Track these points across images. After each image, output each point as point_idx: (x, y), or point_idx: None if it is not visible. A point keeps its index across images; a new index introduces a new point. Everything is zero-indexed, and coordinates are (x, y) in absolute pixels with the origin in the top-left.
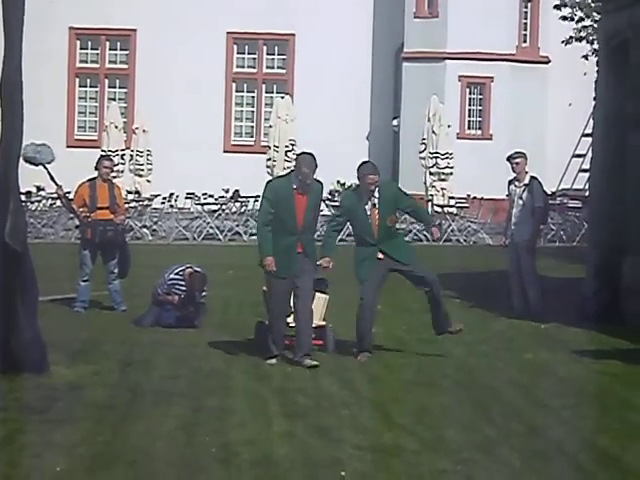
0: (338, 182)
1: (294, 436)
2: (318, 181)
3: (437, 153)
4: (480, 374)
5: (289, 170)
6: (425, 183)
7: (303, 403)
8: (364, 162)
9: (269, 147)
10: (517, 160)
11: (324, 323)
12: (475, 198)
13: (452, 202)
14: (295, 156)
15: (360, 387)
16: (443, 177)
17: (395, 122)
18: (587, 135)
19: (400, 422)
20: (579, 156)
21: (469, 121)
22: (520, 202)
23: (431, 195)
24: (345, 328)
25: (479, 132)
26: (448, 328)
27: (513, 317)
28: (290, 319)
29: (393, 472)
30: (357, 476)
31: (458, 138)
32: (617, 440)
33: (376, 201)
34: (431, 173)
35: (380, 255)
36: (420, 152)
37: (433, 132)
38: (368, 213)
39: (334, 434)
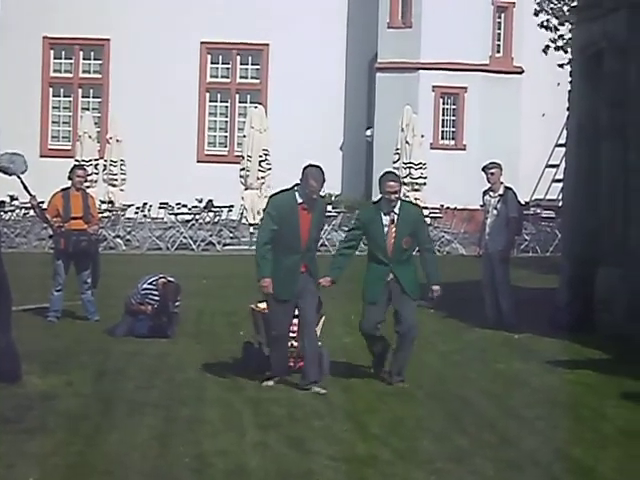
0: None
1: (267, 446)
2: (321, 196)
3: (411, 163)
4: (453, 384)
5: (294, 184)
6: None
7: (277, 413)
8: (386, 172)
9: (242, 157)
10: (492, 170)
11: (319, 344)
12: (448, 208)
13: (425, 212)
14: (303, 169)
15: (334, 398)
16: (416, 187)
17: (369, 132)
18: (560, 145)
19: (374, 433)
20: (553, 166)
21: (442, 131)
22: (495, 212)
23: None
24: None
25: (452, 142)
26: (389, 377)
27: (486, 327)
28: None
29: None
30: None
31: (432, 148)
32: (590, 450)
33: (395, 217)
34: (404, 183)
35: (390, 276)
36: (394, 162)
37: (407, 142)
38: (385, 229)
39: (308, 445)
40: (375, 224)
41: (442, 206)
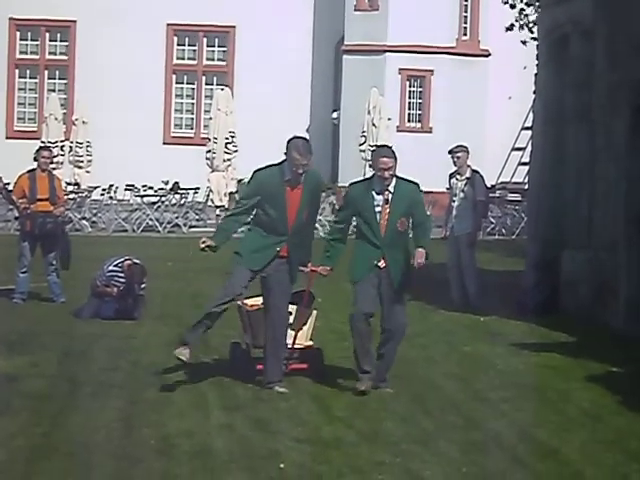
0: None
1: (233, 428)
2: (315, 172)
3: (377, 146)
4: (419, 367)
5: (282, 160)
6: (365, 176)
7: (242, 395)
8: (379, 146)
9: (209, 139)
10: (459, 154)
11: (310, 343)
12: None
13: None
14: (288, 141)
15: (298, 380)
16: None
17: (335, 115)
18: (527, 128)
19: (339, 415)
20: (519, 149)
21: (409, 114)
22: (461, 195)
23: None
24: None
25: (419, 125)
26: (374, 382)
27: (452, 310)
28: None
29: (332, 464)
30: (296, 468)
31: (398, 131)
32: (555, 432)
33: (390, 197)
34: (371, 166)
35: (382, 263)
36: (360, 145)
37: (373, 125)
38: (378, 209)
39: (273, 426)
40: (366, 204)
41: None
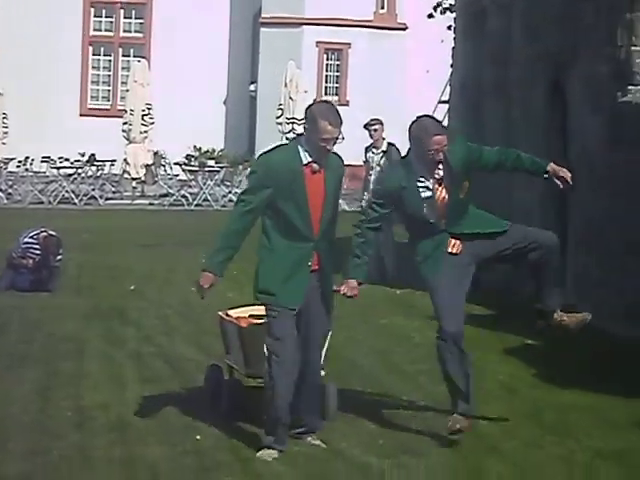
0: (195, 147)
1: (149, 400)
2: (336, 154)
3: (294, 119)
4: (335, 339)
5: (292, 137)
6: None
7: (158, 368)
8: (421, 116)
9: (125, 111)
10: (374, 127)
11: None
12: None
13: None
14: (307, 108)
15: (216, 352)
16: None
17: (252, 87)
18: (444, 102)
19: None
20: None
21: (326, 87)
22: (378, 169)
23: None
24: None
25: (336, 98)
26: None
27: (368, 283)
28: None
29: (247, 436)
30: (212, 440)
31: None
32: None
33: (441, 173)
34: (288, 139)
35: (452, 246)
36: (277, 117)
37: (290, 98)
38: (427, 193)
39: (189, 399)
40: (408, 190)
41: None
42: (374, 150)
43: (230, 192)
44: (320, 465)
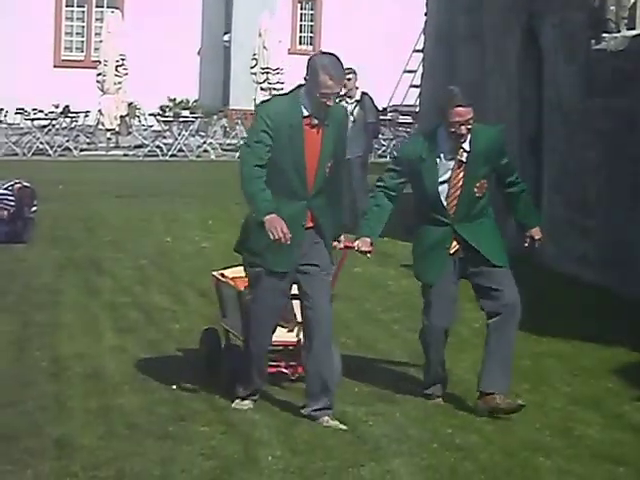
0: (169, 98)
1: (125, 350)
2: (340, 106)
3: (268, 68)
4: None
5: (291, 88)
6: (255, 99)
7: (133, 317)
8: (451, 88)
9: (99, 62)
10: (348, 76)
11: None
12: None
13: None
14: (309, 59)
15: (191, 300)
16: (274, 92)
17: (226, 37)
18: (418, 51)
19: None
20: (410, 72)
21: (300, 37)
22: (351, 118)
23: None
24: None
25: (310, 47)
26: (496, 392)
27: (344, 232)
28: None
29: (223, 386)
30: (187, 389)
31: (289, 53)
32: (448, 353)
33: (465, 156)
34: (262, 89)
35: (454, 245)
36: (251, 67)
37: (264, 47)
38: (446, 176)
39: (165, 349)
40: (426, 165)
41: None
42: (347, 99)
43: (205, 142)
44: (295, 413)
